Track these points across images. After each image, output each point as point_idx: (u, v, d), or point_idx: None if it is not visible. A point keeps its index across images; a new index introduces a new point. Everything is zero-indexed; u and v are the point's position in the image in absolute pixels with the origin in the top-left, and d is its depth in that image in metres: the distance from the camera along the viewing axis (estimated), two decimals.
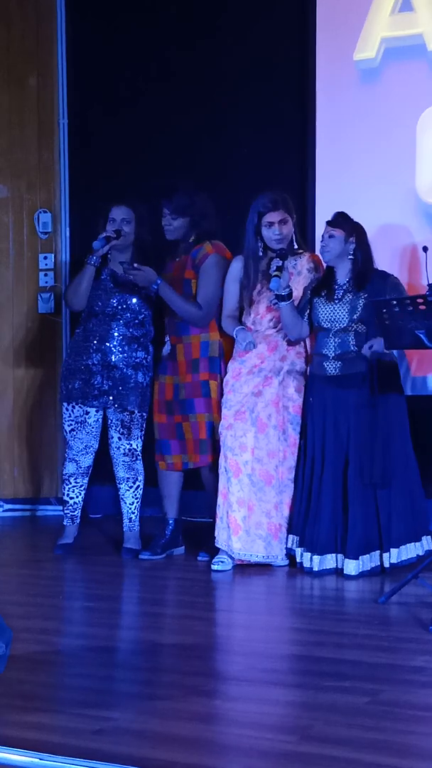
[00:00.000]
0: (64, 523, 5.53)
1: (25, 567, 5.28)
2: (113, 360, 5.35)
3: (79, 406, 5.40)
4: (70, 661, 3.57)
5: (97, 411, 5.42)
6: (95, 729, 2.78)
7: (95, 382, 5.35)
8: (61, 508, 5.66)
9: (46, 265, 6.86)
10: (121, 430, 5.39)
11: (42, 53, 6.86)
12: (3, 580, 4.89)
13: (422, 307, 4.13)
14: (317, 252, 5.16)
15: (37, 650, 3.60)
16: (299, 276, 5.12)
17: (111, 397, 5.34)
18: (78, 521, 5.55)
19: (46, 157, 6.87)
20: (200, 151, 6.34)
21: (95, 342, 5.37)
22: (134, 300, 5.37)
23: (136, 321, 5.40)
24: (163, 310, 5.40)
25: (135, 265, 5.19)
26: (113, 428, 5.41)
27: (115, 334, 5.36)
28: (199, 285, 5.24)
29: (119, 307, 5.37)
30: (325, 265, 5.07)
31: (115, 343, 5.36)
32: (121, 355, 5.35)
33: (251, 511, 5.03)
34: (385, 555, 4.86)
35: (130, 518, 5.45)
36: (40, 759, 2.56)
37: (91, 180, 6.68)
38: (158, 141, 6.47)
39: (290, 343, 5.13)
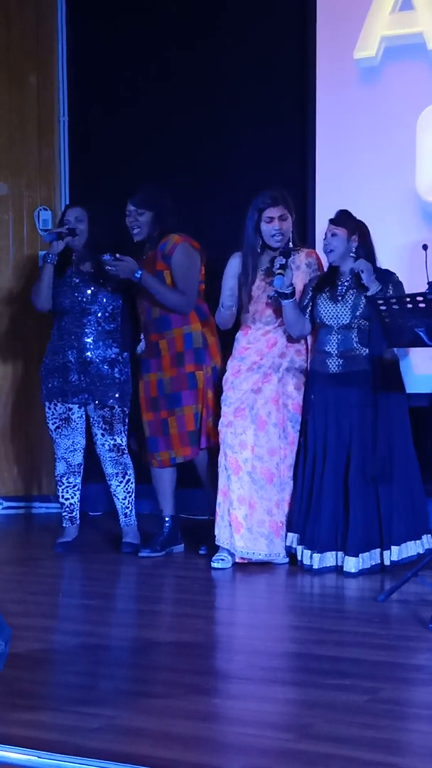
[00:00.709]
0: (64, 525, 5.53)
1: (24, 565, 5.28)
2: (89, 356, 5.38)
3: (61, 404, 5.42)
4: (70, 659, 3.57)
5: (79, 407, 5.45)
6: (94, 727, 2.77)
7: (73, 380, 5.38)
8: (57, 505, 5.66)
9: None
10: (104, 426, 5.40)
11: (42, 52, 6.86)
12: (2, 578, 4.89)
13: (422, 305, 4.13)
14: (318, 250, 5.15)
15: (36, 648, 3.60)
16: (298, 271, 5.11)
17: (89, 394, 5.36)
18: (77, 522, 5.55)
19: (47, 154, 6.87)
20: (200, 150, 6.33)
21: (70, 340, 5.40)
22: (101, 294, 5.38)
23: (107, 314, 5.41)
24: (139, 309, 5.41)
25: (117, 255, 5.19)
26: (95, 425, 5.42)
27: (88, 330, 5.39)
28: (174, 275, 5.25)
29: (86, 303, 5.39)
30: (325, 262, 5.07)
31: (88, 339, 5.39)
32: (96, 351, 5.38)
33: (253, 509, 5.02)
34: (386, 553, 4.85)
35: (125, 513, 5.46)
36: (39, 757, 2.55)
37: (90, 178, 6.67)
38: (158, 139, 6.46)
39: (290, 340, 5.12)
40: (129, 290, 5.40)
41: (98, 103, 6.76)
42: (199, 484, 5.41)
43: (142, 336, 5.46)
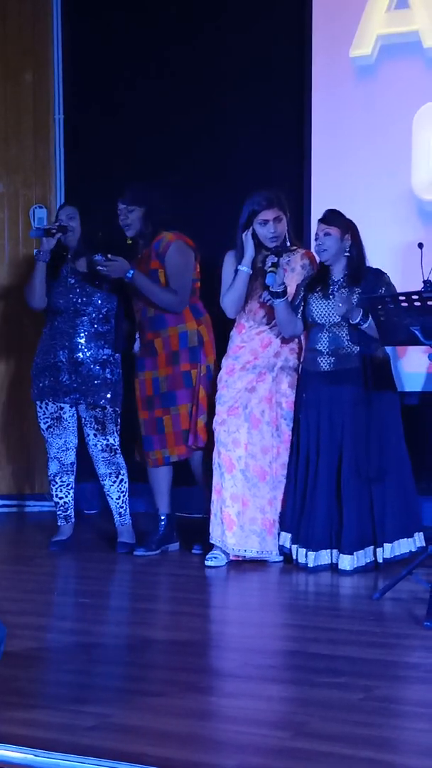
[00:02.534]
0: (59, 523, 5.53)
1: (19, 563, 5.28)
2: (80, 357, 5.37)
3: (53, 403, 5.42)
4: (65, 658, 3.57)
5: (71, 407, 5.44)
6: (90, 725, 2.78)
7: (64, 380, 5.38)
8: (51, 504, 5.66)
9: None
10: (96, 426, 5.40)
11: (38, 48, 6.85)
12: None
13: (417, 303, 4.14)
14: (312, 250, 5.15)
15: (31, 647, 3.60)
16: (293, 273, 5.11)
17: (80, 394, 5.36)
18: (72, 520, 5.55)
19: (42, 152, 6.86)
20: (196, 149, 6.33)
21: (61, 340, 5.40)
22: (96, 295, 5.38)
23: (101, 316, 5.40)
24: (134, 308, 5.41)
25: (109, 256, 5.19)
26: (87, 426, 5.42)
27: (81, 331, 5.38)
28: (168, 273, 5.25)
29: (81, 303, 5.39)
30: (318, 261, 5.08)
31: (81, 340, 5.38)
32: (88, 353, 5.37)
33: (245, 506, 5.03)
34: (379, 550, 4.87)
35: (120, 513, 5.46)
36: (35, 755, 2.55)
37: (86, 176, 6.67)
38: (154, 137, 6.46)
39: (284, 340, 5.13)
40: (124, 290, 5.40)
41: (94, 101, 6.76)
42: (194, 482, 5.42)
43: (138, 335, 5.46)
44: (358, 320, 4.81)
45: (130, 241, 5.36)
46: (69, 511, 5.53)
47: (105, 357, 5.40)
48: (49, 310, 5.49)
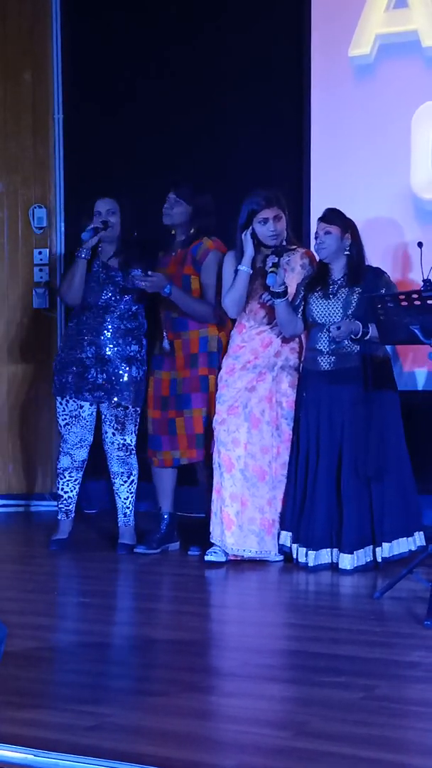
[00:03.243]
0: (59, 518, 5.52)
1: (20, 563, 5.28)
2: (107, 353, 5.34)
3: (73, 400, 5.39)
4: (65, 658, 3.58)
5: (91, 405, 5.42)
6: (90, 725, 2.78)
7: (89, 376, 5.34)
8: (55, 503, 5.65)
9: (41, 260, 6.85)
10: (115, 425, 5.39)
11: (37, 48, 6.85)
12: None
13: (417, 302, 4.14)
14: (312, 249, 5.15)
15: (32, 646, 3.60)
16: (292, 272, 5.11)
17: (104, 392, 5.34)
18: (72, 516, 5.54)
19: (41, 152, 6.86)
20: (195, 148, 6.33)
21: (89, 335, 5.36)
22: (127, 293, 5.37)
23: (130, 313, 5.39)
24: (159, 306, 5.40)
25: (149, 273, 5.16)
26: (107, 423, 5.40)
27: (109, 326, 5.36)
28: (204, 283, 5.24)
29: (112, 300, 5.37)
30: (317, 260, 5.08)
31: (108, 336, 5.35)
32: (115, 348, 5.35)
33: (244, 506, 5.03)
34: (378, 549, 4.87)
35: (125, 513, 5.45)
36: (35, 755, 2.55)
37: (86, 175, 6.66)
38: (153, 137, 6.46)
39: (285, 339, 5.13)
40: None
41: (93, 100, 6.75)
42: (195, 482, 5.41)
43: (165, 333, 5.42)
44: (360, 334, 4.79)
45: (174, 231, 5.31)
46: (71, 507, 5.51)
47: (132, 353, 5.38)
48: (78, 306, 5.44)
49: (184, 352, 5.29)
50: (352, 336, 4.81)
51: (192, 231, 5.27)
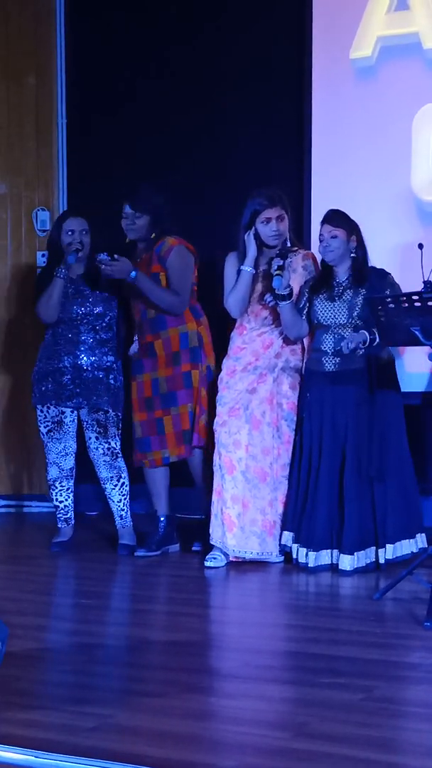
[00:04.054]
0: (59, 526, 5.54)
1: (20, 564, 5.29)
2: (83, 364, 5.37)
3: (54, 407, 5.41)
4: (66, 659, 3.58)
5: (72, 411, 5.44)
6: (90, 726, 2.78)
7: (67, 383, 5.37)
8: (48, 504, 5.66)
9: (44, 262, 6.85)
10: (98, 429, 5.40)
11: (41, 52, 6.87)
12: None
13: (418, 304, 4.14)
14: (316, 251, 5.16)
15: (32, 647, 3.61)
16: (294, 273, 5.12)
17: (83, 398, 5.36)
18: (72, 522, 5.55)
19: (45, 155, 6.88)
20: (198, 150, 6.34)
21: (65, 346, 5.40)
22: (97, 303, 5.38)
23: (104, 324, 5.41)
24: (133, 310, 5.41)
25: (115, 256, 5.18)
26: (89, 429, 5.42)
27: (83, 338, 5.39)
28: (169, 275, 5.26)
29: (82, 313, 5.38)
30: (320, 262, 5.08)
31: (84, 347, 5.39)
32: (91, 359, 5.38)
33: (246, 508, 5.03)
34: (381, 551, 4.87)
35: (121, 516, 5.46)
36: (35, 756, 2.56)
37: (89, 178, 6.68)
38: (156, 139, 6.47)
39: (286, 340, 5.13)
40: (121, 292, 5.40)
41: (96, 103, 6.77)
42: (191, 483, 5.42)
43: (135, 337, 5.46)
44: (368, 341, 4.78)
45: (128, 241, 5.36)
46: (69, 514, 5.53)
47: (108, 364, 5.40)
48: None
49: (166, 350, 5.30)
50: (362, 345, 4.79)
51: (153, 236, 5.28)
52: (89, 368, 5.38)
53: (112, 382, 5.39)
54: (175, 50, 6.48)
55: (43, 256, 6.85)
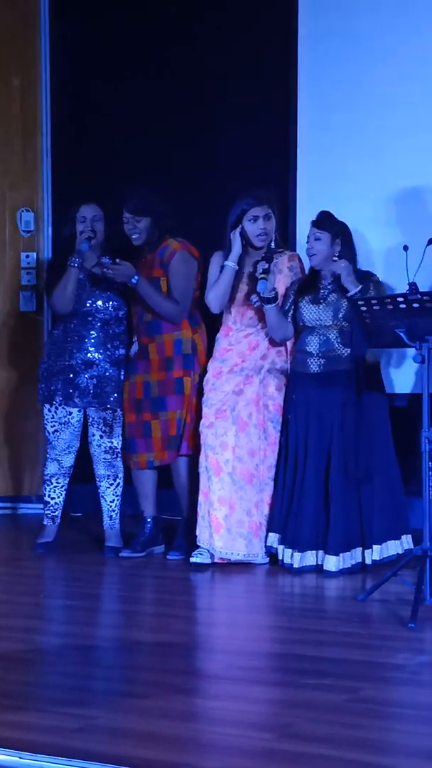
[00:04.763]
0: (44, 523, 5.52)
1: (6, 565, 5.28)
2: (95, 358, 5.35)
3: (62, 407, 5.39)
4: (51, 660, 3.58)
5: (79, 411, 5.42)
6: (76, 727, 2.78)
7: (79, 382, 5.34)
8: (41, 506, 5.65)
9: (28, 263, 6.86)
10: (103, 428, 5.39)
11: (26, 53, 6.85)
12: None
13: (402, 305, 4.15)
14: (302, 252, 5.17)
15: (17, 649, 3.60)
16: (280, 274, 5.14)
17: (94, 397, 5.34)
18: (59, 521, 5.54)
19: (30, 156, 6.86)
20: (183, 151, 6.33)
21: (76, 342, 5.37)
22: (109, 296, 5.37)
23: (117, 317, 5.40)
24: (132, 311, 5.41)
25: (117, 260, 5.18)
26: (95, 426, 5.40)
27: (95, 332, 5.37)
28: (171, 282, 5.25)
29: (97, 305, 5.37)
30: (307, 264, 5.09)
31: (96, 341, 5.36)
32: (104, 353, 5.36)
33: (232, 509, 5.04)
34: (367, 552, 4.88)
35: (111, 516, 5.46)
36: (20, 758, 2.55)
37: (74, 179, 6.66)
38: (141, 140, 6.46)
39: (272, 342, 5.14)
40: (125, 293, 5.39)
41: (82, 104, 6.76)
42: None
43: (135, 338, 5.44)
44: (354, 292, 4.80)
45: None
46: (57, 512, 5.51)
47: (120, 357, 5.39)
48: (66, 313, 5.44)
49: (159, 355, 5.30)
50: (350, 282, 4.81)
51: (155, 237, 5.28)
52: (101, 363, 5.35)
53: (121, 377, 5.37)
54: (162, 50, 6.47)
55: (27, 257, 6.85)
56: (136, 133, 6.48)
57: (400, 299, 4.17)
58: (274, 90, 6.12)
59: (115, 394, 5.36)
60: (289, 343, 5.17)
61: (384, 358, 5.40)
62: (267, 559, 5.08)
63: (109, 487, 5.44)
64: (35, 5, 6.84)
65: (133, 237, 5.30)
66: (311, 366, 4.99)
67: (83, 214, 5.38)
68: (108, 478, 5.44)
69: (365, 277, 5.01)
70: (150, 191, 5.35)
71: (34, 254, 6.84)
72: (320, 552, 4.90)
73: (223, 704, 3.05)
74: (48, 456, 5.49)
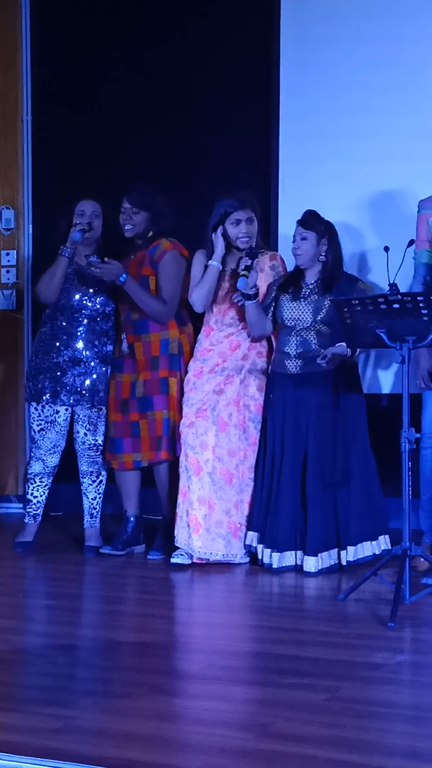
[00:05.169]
0: (26, 521, 5.50)
1: None
2: (83, 355, 5.34)
3: (50, 406, 5.37)
4: (30, 660, 3.57)
5: (66, 410, 5.40)
6: (55, 728, 2.77)
7: (66, 380, 5.33)
8: (21, 505, 5.63)
9: (8, 261, 6.83)
10: (88, 426, 5.38)
11: (5, 51, 6.83)
12: None
13: (383, 306, 4.17)
14: (284, 254, 5.18)
15: None
16: (261, 273, 5.15)
17: (81, 396, 5.33)
18: (40, 519, 5.53)
19: (9, 153, 6.84)
20: (164, 150, 6.33)
21: (64, 338, 5.35)
22: (100, 294, 5.36)
23: (104, 313, 5.39)
24: (119, 309, 5.41)
25: (106, 259, 5.17)
26: (80, 423, 5.39)
27: (84, 328, 5.35)
28: (160, 281, 5.24)
29: (85, 301, 5.36)
30: (289, 264, 5.10)
31: (84, 337, 5.35)
32: (92, 350, 5.35)
33: (212, 509, 5.04)
34: (343, 552, 4.89)
35: (92, 514, 5.45)
36: None
37: (54, 177, 6.66)
38: (121, 139, 6.46)
39: (253, 341, 5.15)
40: (113, 290, 5.37)
41: (62, 103, 6.74)
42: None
43: (124, 336, 5.42)
44: (349, 354, 4.79)
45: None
46: (39, 511, 5.49)
47: (109, 353, 5.38)
48: (50, 308, 5.41)
49: (145, 354, 5.29)
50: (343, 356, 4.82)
51: (150, 234, 5.27)
52: (89, 360, 5.33)
53: (108, 374, 5.35)
54: (144, 50, 6.47)
55: (7, 254, 6.82)
56: (118, 131, 6.48)
57: (381, 300, 4.18)
58: (256, 94, 6.13)
59: (103, 393, 5.35)
60: (274, 343, 5.17)
61: (362, 358, 5.42)
62: (247, 559, 5.08)
63: (91, 485, 5.43)
64: (16, 3, 6.81)
65: (126, 228, 5.28)
66: (289, 367, 5.00)
67: (82, 208, 5.37)
68: (91, 475, 5.43)
69: (351, 282, 5.02)
70: (153, 187, 5.32)
71: (14, 252, 6.82)
72: (299, 552, 4.91)
73: (202, 704, 3.05)
74: (32, 455, 5.47)
